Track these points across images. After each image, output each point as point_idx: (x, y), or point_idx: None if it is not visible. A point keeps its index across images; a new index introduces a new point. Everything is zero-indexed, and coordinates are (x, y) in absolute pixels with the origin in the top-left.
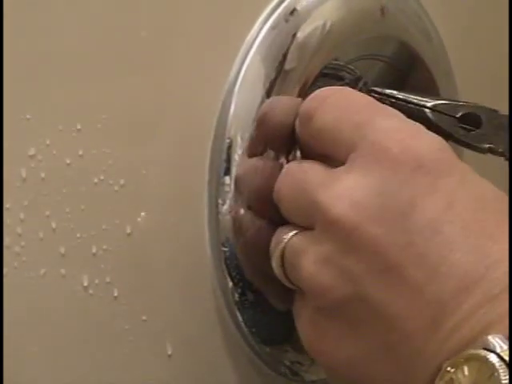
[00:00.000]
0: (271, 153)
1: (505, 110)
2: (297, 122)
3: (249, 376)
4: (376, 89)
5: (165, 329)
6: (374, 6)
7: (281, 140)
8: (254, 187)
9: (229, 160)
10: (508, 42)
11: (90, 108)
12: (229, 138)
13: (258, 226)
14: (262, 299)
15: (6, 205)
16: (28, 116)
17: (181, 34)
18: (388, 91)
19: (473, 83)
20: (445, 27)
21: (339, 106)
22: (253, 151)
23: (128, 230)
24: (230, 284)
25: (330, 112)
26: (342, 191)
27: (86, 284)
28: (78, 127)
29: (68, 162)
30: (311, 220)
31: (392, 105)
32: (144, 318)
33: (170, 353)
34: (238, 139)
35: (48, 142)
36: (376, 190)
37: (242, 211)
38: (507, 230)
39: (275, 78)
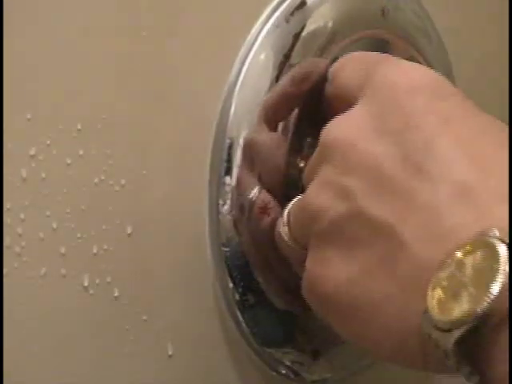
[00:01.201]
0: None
1: (505, 110)
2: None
3: (249, 376)
4: None
5: (165, 329)
6: (375, 6)
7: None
8: (271, 164)
9: (229, 160)
10: (508, 42)
11: (90, 108)
12: (229, 138)
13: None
14: (262, 299)
15: (7, 205)
16: (28, 116)
17: (181, 33)
18: None
19: (473, 83)
20: (445, 27)
21: (357, 62)
22: (277, 114)
23: (128, 230)
24: (231, 284)
25: (349, 68)
26: (341, 119)
27: (86, 284)
28: (79, 127)
29: (68, 162)
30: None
31: None
32: (145, 318)
33: (170, 353)
34: (239, 139)
35: (48, 142)
36: (373, 113)
37: (255, 191)
38: (506, 157)
39: (276, 78)
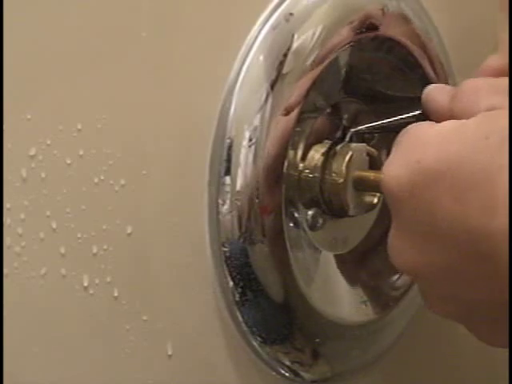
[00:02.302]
0: None
1: None
2: None
3: (249, 376)
4: (357, 129)
5: (165, 329)
6: (375, 6)
7: None
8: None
9: (229, 160)
10: (508, 42)
11: (90, 108)
12: (229, 138)
13: None
14: (262, 299)
15: (7, 205)
16: (28, 116)
17: (181, 33)
18: (365, 126)
19: None
20: (445, 27)
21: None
22: None
23: (128, 230)
24: (231, 284)
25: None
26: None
27: (86, 284)
28: (79, 127)
29: (68, 162)
30: None
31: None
32: (144, 318)
33: (170, 353)
34: (239, 139)
35: (48, 142)
36: None
37: None
38: None
39: (276, 78)
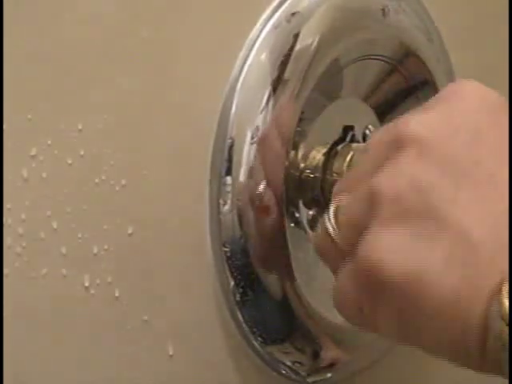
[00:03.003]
0: None
1: None
2: None
3: (250, 376)
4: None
5: (166, 329)
6: (376, 6)
7: None
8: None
9: (230, 160)
10: (508, 42)
11: (91, 108)
12: (230, 138)
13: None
14: (263, 300)
15: (8, 205)
16: (29, 116)
17: (182, 33)
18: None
19: None
20: (446, 27)
21: None
22: None
23: (129, 230)
24: (232, 284)
25: None
26: (418, 117)
27: (87, 284)
28: (80, 127)
29: (69, 162)
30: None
31: None
32: (145, 318)
33: (171, 353)
34: (240, 139)
35: (49, 142)
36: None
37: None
38: None
39: (277, 78)
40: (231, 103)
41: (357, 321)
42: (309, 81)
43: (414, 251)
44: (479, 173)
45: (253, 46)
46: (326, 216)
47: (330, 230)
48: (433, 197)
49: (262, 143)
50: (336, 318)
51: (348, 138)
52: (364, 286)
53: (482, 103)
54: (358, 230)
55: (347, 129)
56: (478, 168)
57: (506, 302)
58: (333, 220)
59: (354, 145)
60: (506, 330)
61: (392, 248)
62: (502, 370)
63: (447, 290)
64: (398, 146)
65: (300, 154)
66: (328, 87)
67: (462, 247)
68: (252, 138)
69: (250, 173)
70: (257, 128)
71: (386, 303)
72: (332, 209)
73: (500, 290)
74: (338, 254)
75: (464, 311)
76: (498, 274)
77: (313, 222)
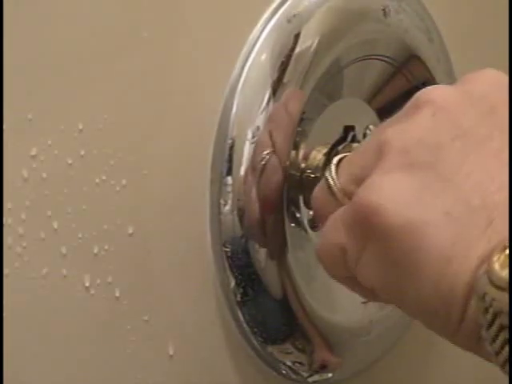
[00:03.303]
0: None
1: None
2: None
3: (250, 376)
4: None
5: (166, 329)
6: (376, 7)
7: None
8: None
9: (231, 160)
10: (508, 42)
11: (91, 108)
12: (231, 139)
13: None
14: (263, 300)
15: (8, 205)
16: (29, 116)
17: (182, 33)
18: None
19: None
20: (446, 27)
21: None
22: None
23: (130, 230)
24: (232, 284)
25: None
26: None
27: (87, 284)
28: (80, 127)
29: (70, 162)
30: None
31: None
32: (146, 318)
33: (171, 353)
34: (241, 139)
35: (50, 142)
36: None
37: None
38: None
39: (278, 79)
40: (232, 103)
41: (336, 266)
42: (309, 81)
43: (416, 202)
44: (489, 146)
45: (253, 46)
46: (327, 168)
47: (331, 182)
48: (441, 155)
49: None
50: (336, 317)
51: (349, 138)
52: (354, 229)
53: (499, 86)
54: (359, 182)
55: (348, 129)
56: (488, 141)
57: (496, 266)
58: (334, 172)
59: (355, 145)
60: (491, 292)
61: (393, 195)
62: (477, 337)
63: (443, 244)
64: (416, 105)
65: (301, 154)
66: (329, 87)
67: (462, 208)
68: (253, 134)
69: (251, 173)
70: (257, 128)
71: (375, 250)
72: (335, 161)
73: (491, 255)
74: (335, 208)
75: (454, 268)
76: (492, 240)
77: (313, 222)
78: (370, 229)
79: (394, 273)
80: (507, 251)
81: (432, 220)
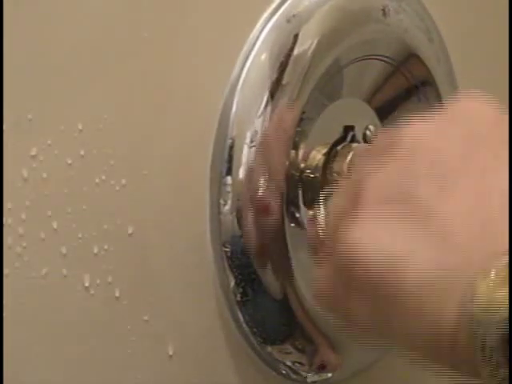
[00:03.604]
0: None
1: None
2: None
3: (250, 376)
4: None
5: (166, 329)
6: (376, 7)
7: None
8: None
9: (230, 160)
10: (508, 42)
11: (91, 108)
12: (231, 138)
13: None
14: (263, 300)
15: (8, 205)
16: (29, 116)
17: (182, 33)
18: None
19: (474, 84)
20: (446, 28)
21: None
22: None
23: (129, 230)
24: (232, 284)
25: None
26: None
27: (87, 284)
28: (80, 127)
29: (69, 162)
30: None
31: None
32: (145, 318)
33: (171, 353)
34: (240, 139)
35: (49, 142)
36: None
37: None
38: None
39: (278, 78)
40: (231, 103)
41: (329, 307)
42: (309, 81)
43: (393, 237)
44: (469, 167)
45: (253, 46)
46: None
47: (321, 223)
48: (418, 187)
49: (263, 144)
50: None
51: (348, 138)
52: (340, 270)
53: (476, 125)
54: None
55: (347, 129)
56: (467, 162)
57: (482, 289)
58: (324, 213)
59: (355, 145)
60: (481, 317)
61: (369, 231)
62: (473, 360)
63: (423, 276)
64: (392, 144)
65: (300, 154)
66: (328, 87)
67: (441, 239)
68: (252, 138)
69: (251, 173)
70: (256, 132)
71: (359, 288)
72: (326, 204)
73: (474, 284)
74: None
75: (437, 301)
76: (476, 269)
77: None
78: (351, 266)
79: (379, 309)
80: (492, 274)
81: (409, 254)
